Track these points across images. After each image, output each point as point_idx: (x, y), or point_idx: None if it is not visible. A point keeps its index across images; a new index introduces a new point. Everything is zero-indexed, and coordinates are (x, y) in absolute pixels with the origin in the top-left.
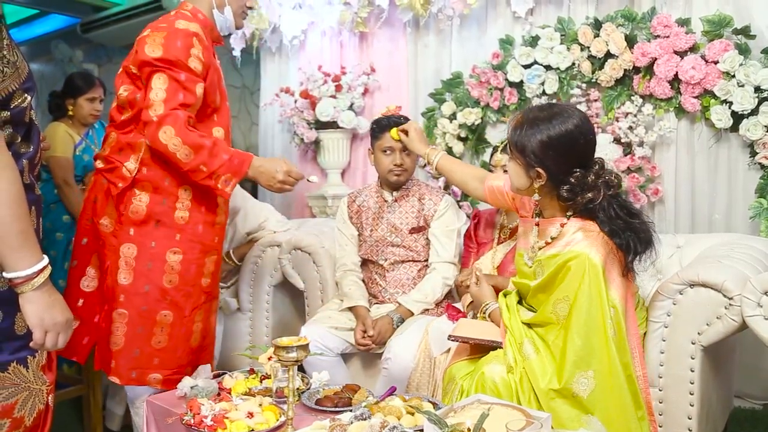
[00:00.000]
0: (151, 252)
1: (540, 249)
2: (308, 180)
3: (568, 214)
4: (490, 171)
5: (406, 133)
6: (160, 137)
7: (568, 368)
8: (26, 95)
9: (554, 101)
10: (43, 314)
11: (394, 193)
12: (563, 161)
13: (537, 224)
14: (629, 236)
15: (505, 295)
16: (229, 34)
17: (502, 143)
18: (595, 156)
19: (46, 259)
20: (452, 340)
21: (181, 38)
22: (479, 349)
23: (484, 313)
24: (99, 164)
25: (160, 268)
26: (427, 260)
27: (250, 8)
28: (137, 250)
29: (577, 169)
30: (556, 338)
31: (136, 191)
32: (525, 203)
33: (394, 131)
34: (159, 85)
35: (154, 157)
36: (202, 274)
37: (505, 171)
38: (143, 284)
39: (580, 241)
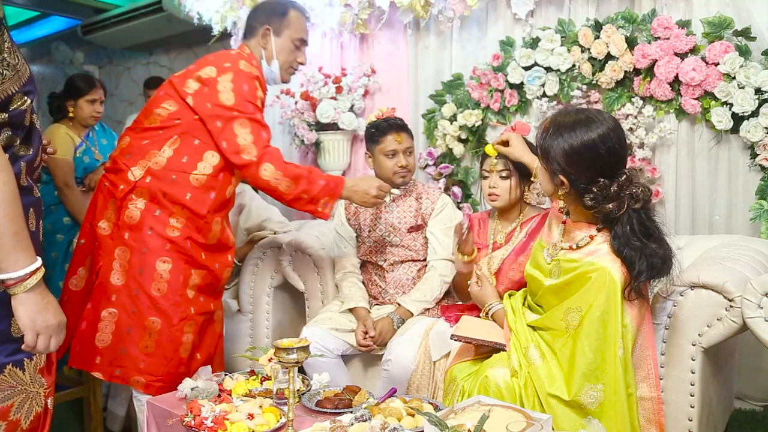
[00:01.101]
0: (142, 258)
1: (562, 249)
2: (391, 194)
3: (598, 227)
4: (485, 178)
5: (504, 144)
6: (261, 175)
7: (576, 380)
8: (26, 98)
9: (586, 107)
10: (36, 316)
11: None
12: (585, 171)
13: (564, 222)
14: (635, 256)
15: (509, 296)
16: (230, 36)
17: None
18: (626, 167)
19: (39, 261)
20: (455, 340)
21: (246, 81)
22: (482, 349)
23: (487, 314)
24: (108, 164)
25: (150, 276)
26: (425, 259)
27: (301, 63)
28: (130, 254)
29: (601, 179)
30: (563, 347)
31: (133, 197)
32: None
33: (490, 148)
34: (243, 131)
35: (164, 170)
36: (188, 285)
37: (502, 177)
38: (134, 287)
39: (604, 255)
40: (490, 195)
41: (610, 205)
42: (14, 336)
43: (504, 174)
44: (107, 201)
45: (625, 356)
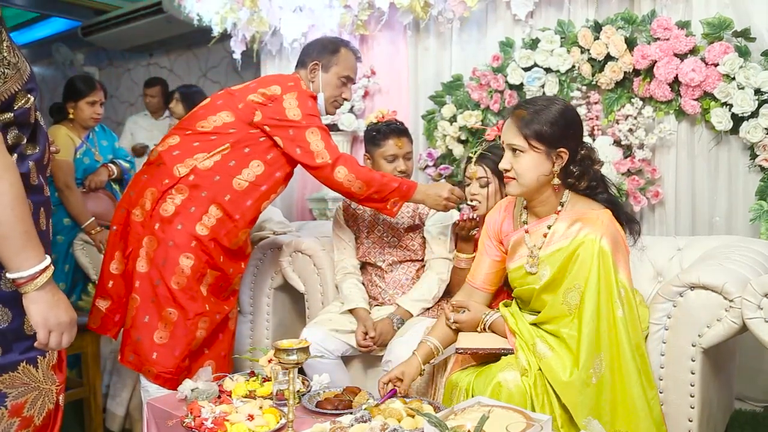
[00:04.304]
0: (167, 250)
1: (539, 249)
2: (468, 204)
3: (562, 201)
4: (467, 184)
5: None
6: (335, 176)
7: (584, 356)
8: (29, 96)
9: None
10: (47, 314)
11: None
12: (576, 135)
13: (526, 231)
14: (622, 208)
15: (505, 305)
16: (230, 37)
17: (475, 153)
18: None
19: (48, 259)
20: (460, 353)
21: (309, 99)
22: (485, 359)
23: (483, 326)
24: (152, 157)
25: (172, 269)
26: (424, 259)
27: (346, 99)
28: (157, 245)
29: (583, 145)
30: (570, 330)
31: (173, 192)
32: (506, 220)
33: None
34: (314, 138)
35: (209, 171)
36: (201, 283)
37: (481, 186)
38: (156, 277)
39: (583, 228)
40: (471, 201)
41: (597, 166)
42: (27, 334)
43: (482, 182)
44: (143, 191)
45: (630, 315)
